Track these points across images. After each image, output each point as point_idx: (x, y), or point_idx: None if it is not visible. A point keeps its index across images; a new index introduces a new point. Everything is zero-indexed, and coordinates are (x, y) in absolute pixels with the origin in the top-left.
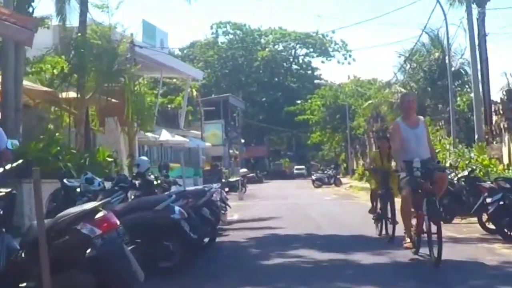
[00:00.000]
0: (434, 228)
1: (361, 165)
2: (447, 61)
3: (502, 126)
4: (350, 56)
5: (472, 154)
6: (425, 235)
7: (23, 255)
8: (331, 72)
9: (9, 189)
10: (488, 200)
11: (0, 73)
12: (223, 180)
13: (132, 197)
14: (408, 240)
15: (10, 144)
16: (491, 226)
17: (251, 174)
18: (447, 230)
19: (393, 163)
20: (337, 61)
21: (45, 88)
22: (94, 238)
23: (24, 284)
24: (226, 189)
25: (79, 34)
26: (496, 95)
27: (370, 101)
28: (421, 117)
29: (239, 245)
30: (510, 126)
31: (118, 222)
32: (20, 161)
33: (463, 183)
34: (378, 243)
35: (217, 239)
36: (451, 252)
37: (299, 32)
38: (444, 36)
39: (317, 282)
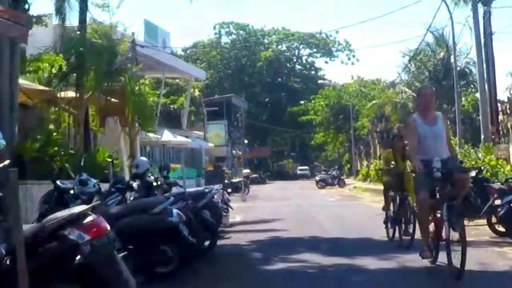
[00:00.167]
0: (453, 235)
1: (365, 166)
2: (452, 60)
3: (509, 126)
4: (353, 56)
5: (479, 155)
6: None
7: (8, 261)
8: (335, 72)
9: None
10: (498, 202)
11: None
12: (226, 181)
13: (131, 198)
14: (426, 248)
15: None
16: (500, 228)
17: (254, 175)
18: (455, 233)
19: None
20: (341, 61)
21: (43, 87)
22: (83, 245)
23: None
24: (229, 190)
25: (78, 33)
26: (502, 94)
27: (374, 101)
28: (439, 113)
29: (240, 248)
30: None
31: (108, 227)
32: (6, 161)
33: (470, 184)
34: (385, 247)
35: (218, 242)
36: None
37: (303, 32)
38: (449, 35)
39: None
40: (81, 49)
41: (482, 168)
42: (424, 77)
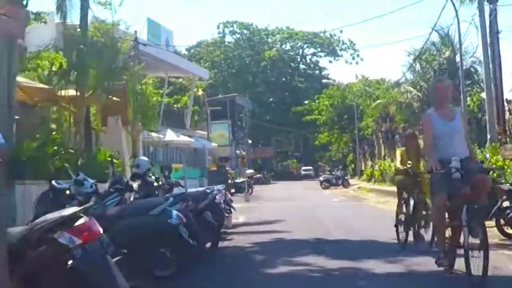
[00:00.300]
0: (472, 240)
1: (370, 166)
2: (457, 59)
3: None
4: (358, 55)
5: (487, 155)
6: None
7: None
8: (339, 72)
9: None
10: (506, 203)
11: None
12: (229, 181)
13: (132, 199)
14: (442, 255)
15: None
16: (509, 230)
17: (257, 175)
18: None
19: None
20: (345, 60)
21: (43, 85)
22: (73, 249)
23: None
24: (232, 190)
25: (78, 30)
26: (509, 94)
27: (378, 101)
28: (457, 108)
29: (242, 251)
30: None
31: (101, 230)
32: None
33: None
34: (391, 249)
35: (220, 244)
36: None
37: (307, 31)
38: (455, 34)
39: None
40: (81, 46)
41: (493, 168)
42: (429, 77)
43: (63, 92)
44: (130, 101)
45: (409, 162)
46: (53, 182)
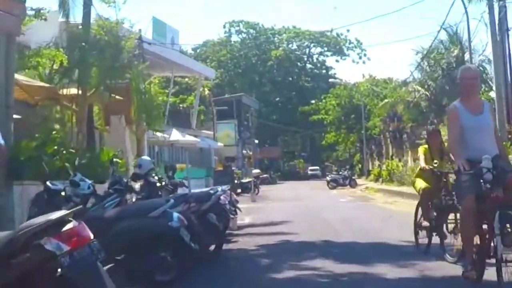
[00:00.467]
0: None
1: (377, 166)
2: (466, 57)
3: None
4: (365, 55)
5: None
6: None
7: None
8: (346, 71)
9: None
10: None
11: None
12: (236, 181)
13: (134, 200)
14: (470, 266)
15: None
16: None
17: (264, 175)
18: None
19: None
20: (352, 60)
21: (43, 84)
22: (61, 256)
23: None
24: (238, 191)
25: (80, 27)
26: None
27: (386, 100)
28: (486, 101)
29: (247, 254)
30: None
31: (91, 236)
32: None
33: None
34: (402, 253)
35: (225, 247)
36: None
37: (313, 30)
38: (463, 32)
39: None
40: (83, 44)
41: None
42: (437, 76)
43: (64, 91)
44: (133, 100)
45: (435, 161)
46: (47, 183)
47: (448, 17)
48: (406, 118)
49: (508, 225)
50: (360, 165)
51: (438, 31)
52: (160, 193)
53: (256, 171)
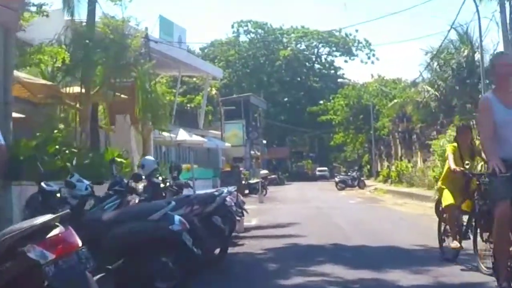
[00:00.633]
0: None
1: (386, 167)
2: (476, 57)
3: None
4: (373, 55)
5: None
6: None
7: None
8: (354, 71)
9: None
10: None
11: None
12: (243, 182)
13: (137, 201)
14: (505, 284)
15: None
16: None
17: (272, 176)
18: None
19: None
20: (360, 60)
21: (45, 82)
22: (45, 265)
23: None
24: (246, 192)
25: (83, 24)
26: None
27: (395, 101)
28: None
29: (254, 258)
30: None
31: (79, 243)
32: None
33: None
34: (416, 257)
35: (231, 250)
36: None
37: (322, 30)
38: (473, 32)
39: None
40: (87, 41)
41: None
42: (447, 76)
43: (68, 89)
44: (138, 99)
45: (467, 162)
46: (42, 183)
47: (458, 16)
48: (415, 119)
49: None
50: (368, 166)
51: (448, 31)
52: (164, 194)
53: (264, 171)
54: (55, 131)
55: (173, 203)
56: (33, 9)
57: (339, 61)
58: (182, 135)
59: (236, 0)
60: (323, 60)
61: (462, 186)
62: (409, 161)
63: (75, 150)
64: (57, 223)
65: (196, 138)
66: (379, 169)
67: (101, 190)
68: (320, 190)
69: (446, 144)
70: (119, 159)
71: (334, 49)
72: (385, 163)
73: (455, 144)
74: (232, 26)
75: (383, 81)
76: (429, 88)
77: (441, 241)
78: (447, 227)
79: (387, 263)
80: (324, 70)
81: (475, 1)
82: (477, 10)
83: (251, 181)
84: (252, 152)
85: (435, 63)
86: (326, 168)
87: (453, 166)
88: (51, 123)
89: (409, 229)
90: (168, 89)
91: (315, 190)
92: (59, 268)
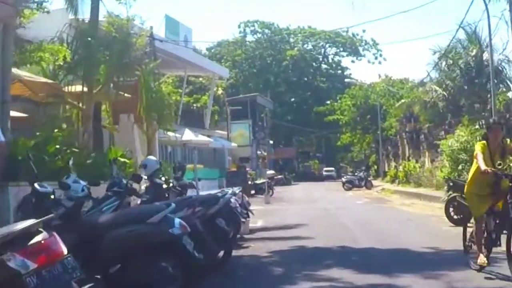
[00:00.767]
0: None
1: (393, 167)
2: (484, 57)
3: None
4: (380, 55)
5: None
6: None
7: None
8: (362, 71)
9: None
10: None
11: None
12: (249, 183)
13: (138, 203)
14: None
15: None
16: None
17: (279, 176)
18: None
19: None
20: (368, 60)
21: (46, 80)
22: (26, 275)
23: None
24: (252, 192)
25: (84, 21)
26: None
27: (402, 101)
28: None
29: (259, 261)
30: None
31: (64, 251)
32: None
33: None
34: (426, 261)
35: (235, 253)
36: None
37: (329, 30)
38: (482, 31)
39: None
40: (89, 39)
41: None
42: (456, 75)
43: (69, 88)
44: (142, 98)
45: (499, 162)
46: (35, 184)
47: (467, 15)
48: (423, 119)
49: None
50: (375, 166)
51: (457, 30)
52: (167, 195)
53: (270, 172)
54: (56, 130)
55: (173, 205)
56: (33, 6)
57: (346, 61)
58: (188, 135)
59: (242, 0)
60: (330, 60)
61: (491, 188)
62: (416, 161)
63: (76, 150)
64: (40, 229)
65: (202, 138)
66: (386, 169)
67: (101, 191)
68: (327, 190)
69: (454, 144)
70: (122, 159)
71: (341, 49)
72: (392, 163)
73: (485, 142)
74: (239, 26)
75: (390, 81)
76: (437, 88)
77: (466, 247)
78: (475, 232)
79: (397, 266)
80: (331, 70)
81: (484, 0)
82: (486, 9)
83: (258, 182)
84: (258, 152)
85: (443, 63)
86: (333, 168)
87: (483, 167)
88: (53, 122)
89: (417, 230)
90: (174, 89)
91: (322, 190)
92: (41, 278)
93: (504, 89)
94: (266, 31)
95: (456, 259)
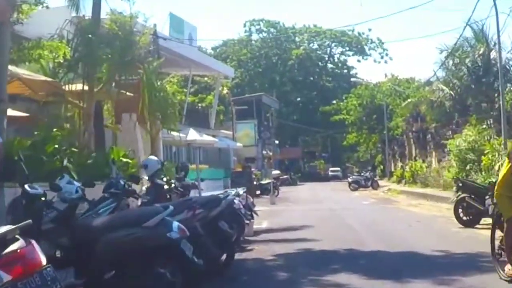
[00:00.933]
0: None
1: (400, 167)
2: (492, 55)
3: None
4: (386, 54)
5: None
6: None
7: None
8: (368, 70)
9: None
10: None
11: None
12: (255, 183)
13: (139, 204)
14: None
15: None
16: None
17: (284, 176)
18: None
19: None
20: (374, 60)
21: (46, 78)
22: None
23: None
24: (258, 192)
25: (84, 17)
26: None
27: (409, 100)
28: None
29: (263, 265)
30: None
31: (43, 261)
32: None
33: None
34: (439, 265)
35: (239, 256)
36: None
37: (335, 29)
38: (489, 29)
39: None
40: (89, 36)
41: None
42: (463, 74)
43: (70, 86)
44: (144, 97)
45: None
46: (26, 186)
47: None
48: (429, 118)
49: None
50: (381, 166)
51: (464, 28)
52: (169, 196)
53: (276, 172)
54: (55, 130)
55: (171, 207)
56: (32, 1)
57: (352, 60)
58: (192, 135)
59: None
60: (336, 60)
61: None
62: (423, 161)
63: (75, 150)
64: (17, 236)
65: (206, 138)
66: (392, 170)
67: (98, 193)
68: (333, 190)
69: (462, 143)
70: (124, 159)
71: (347, 48)
72: (399, 163)
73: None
74: (244, 25)
75: (396, 80)
76: (444, 87)
77: (496, 255)
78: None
79: (407, 271)
80: (337, 70)
81: None
82: (495, 4)
83: (263, 182)
84: (264, 152)
85: (450, 62)
86: (338, 169)
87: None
88: (56, 122)
89: (426, 232)
90: (179, 88)
91: (328, 190)
92: None
93: (511, 89)
94: (272, 30)
95: (468, 262)
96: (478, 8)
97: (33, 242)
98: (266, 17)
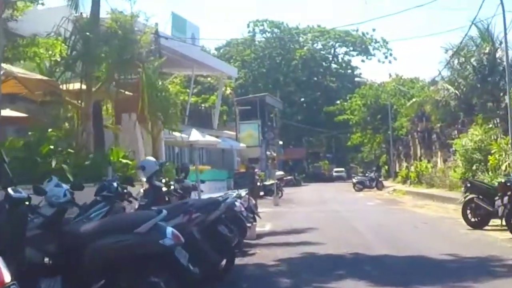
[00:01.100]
0: None
1: (405, 168)
2: (497, 54)
3: None
4: (391, 54)
5: None
6: None
7: None
8: (372, 70)
9: None
10: None
11: None
12: (258, 184)
13: (136, 207)
14: None
15: None
16: None
17: (288, 177)
18: None
19: None
20: (378, 59)
21: (41, 77)
22: None
23: None
24: (261, 193)
25: (82, 14)
26: None
27: (413, 100)
28: None
29: (264, 271)
30: None
31: (7, 277)
32: None
33: None
34: (449, 270)
35: (240, 261)
36: None
37: (339, 29)
38: (495, 28)
39: None
40: (87, 33)
41: None
42: (468, 73)
43: (67, 86)
44: (144, 97)
45: None
46: (9, 189)
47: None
48: (434, 118)
49: None
50: (386, 167)
51: (470, 27)
52: (167, 199)
53: (279, 173)
54: (50, 130)
55: (165, 212)
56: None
57: (356, 60)
58: (195, 135)
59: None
60: (340, 60)
61: None
62: (428, 161)
63: (72, 151)
64: None
65: (209, 138)
66: (397, 170)
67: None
68: (337, 191)
69: (468, 143)
70: (124, 161)
71: (351, 48)
72: (404, 164)
73: None
74: (248, 26)
75: (400, 80)
76: (449, 87)
77: None
78: None
79: (416, 277)
80: (341, 70)
81: None
82: (502, 3)
83: (266, 183)
84: (268, 153)
85: (455, 61)
86: (343, 169)
87: None
88: (55, 122)
89: (434, 234)
90: (182, 88)
91: (332, 191)
92: None
93: None
94: (276, 30)
95: (479, 267)
96: (484, 6)
97: None
98: (270, 18)
